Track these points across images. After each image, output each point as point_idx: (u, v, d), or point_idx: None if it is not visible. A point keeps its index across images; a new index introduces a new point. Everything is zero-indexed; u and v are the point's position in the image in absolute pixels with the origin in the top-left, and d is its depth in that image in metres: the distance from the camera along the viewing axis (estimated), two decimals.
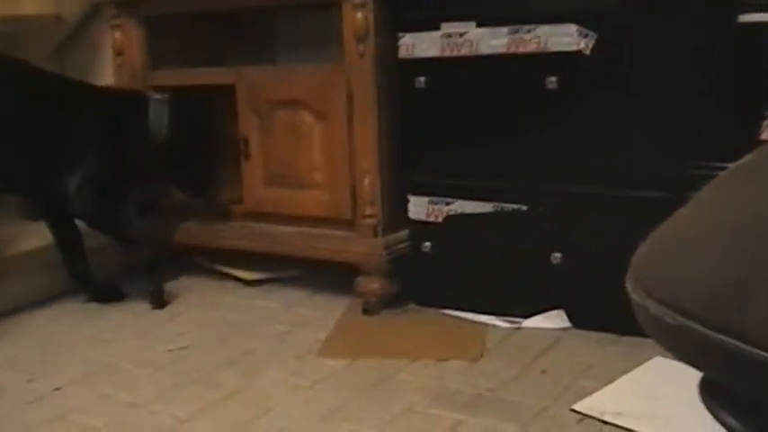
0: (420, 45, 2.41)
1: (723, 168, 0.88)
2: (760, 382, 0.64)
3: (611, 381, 1.97)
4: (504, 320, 2.38)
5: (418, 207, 2.50)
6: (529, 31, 2.23)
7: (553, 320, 2.33)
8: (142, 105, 2.74)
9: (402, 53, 2.45)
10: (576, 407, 1.85)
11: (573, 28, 2.18)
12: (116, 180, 2.71)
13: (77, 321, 2.61)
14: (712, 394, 0.78)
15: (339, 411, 1.91)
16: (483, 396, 1.95)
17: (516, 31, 2.25)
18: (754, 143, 1.68)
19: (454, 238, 2.46)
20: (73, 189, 2.60)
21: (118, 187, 2.72)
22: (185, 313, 2.66)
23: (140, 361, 2.27)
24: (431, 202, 2.48)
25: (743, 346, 0.62)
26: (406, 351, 2.23)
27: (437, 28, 2.38)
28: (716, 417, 0.77)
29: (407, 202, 2.52)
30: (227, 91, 2.73)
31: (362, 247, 2.52)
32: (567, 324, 2.32)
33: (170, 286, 2.81)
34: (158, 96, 2.78)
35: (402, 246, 2.54)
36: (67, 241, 2.77)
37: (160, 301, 2.70)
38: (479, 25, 2.31)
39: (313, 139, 2.58)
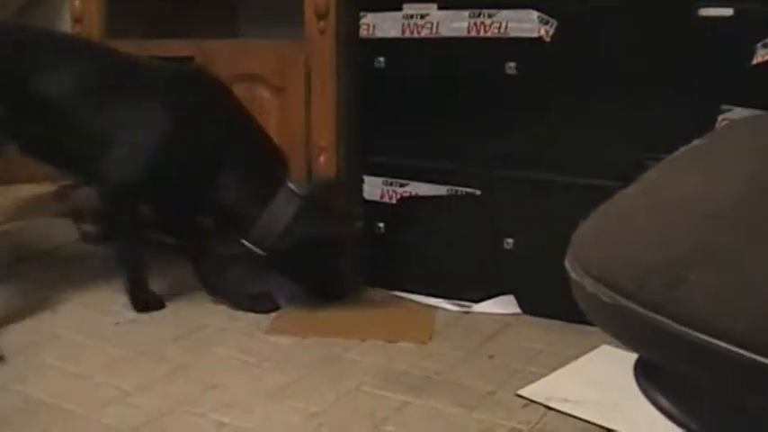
0: (381, 25, 2.40)
1: None
2: (691, 362, 0.64)
3: (558, 367, 1.98)
4: (455, 304, 2.38)
5: (373, 187, 2.49)
6: (490, 16, 2.23)
7: (503, 306, 2.33)
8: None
9: (363, 32, 2.43)
10: (522, 392, 1.86)
11: (534, 14, 2.18)
12: None
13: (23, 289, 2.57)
14: (647, 376, 0.78)
15: (286, 389, 1.90)
16: (430, 378, 1.95)
17: (478, 15, 2.25)
18: None
19: (408, 220, 2.46)
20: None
21: None
22: None
23: (87, 333, 2.25)
24: (385, 183, 2.47)
25: (674, 325, 0.62)
26: (355, 331, 2.22)
27: (399, 8, 2.37)
28: (649, 398, 0.77)
29: (362, 181, 2.51)
30: None
31: None
32: (518, 310, 2.32)
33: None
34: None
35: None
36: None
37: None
38: (441, 8, 2.31)
39: (270, 115, 2.55)
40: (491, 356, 2.07)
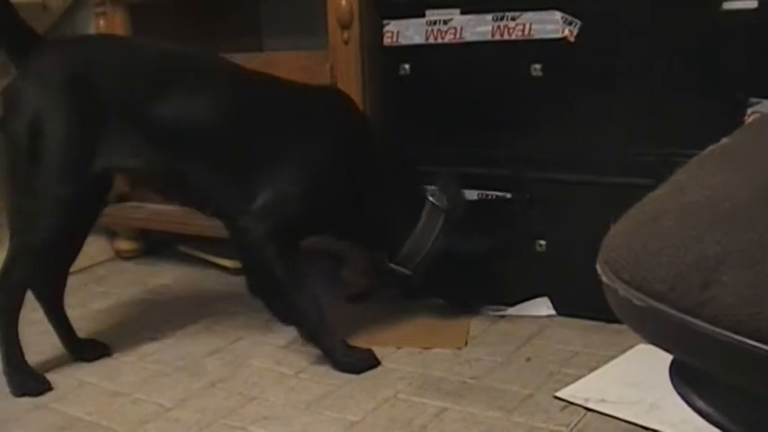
0: (405, 32, 2.41)
1: None
2: (726, 364, 0.64)
3: (595, 368, 1.97)
4: (489, 308, 2.38)
5: None
6: (513, 18, 2.23)
7: (538, 308, 2.32)
8: None
9: (387, 40, 2.44)
10: (560, 394, 1.85)
11: (557, 15, 2.17)
12: None
13: None
14: (682, 377, 0.78)
15: (323, 399, 1.91)
16: (467, 384, 1.95)
17: (501, 18, 2.24)
18: None
19: None
20: None
21: None
22: (170, 302, 2.66)
23: (125, 349, 2.26)
24: None
25: (708, 327, 0.62)
26: (390, 339, 2.23)
27: (422, 15, 2.37)
28: (685, 399, 0.77)
29: None
30: None
31: None
32: (553, 312, 2.32)
33: (154, 274, 2.81)
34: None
35: None
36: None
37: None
38: (464, 12, 2.30)
39: None
40: (528, 359, 2.06)
